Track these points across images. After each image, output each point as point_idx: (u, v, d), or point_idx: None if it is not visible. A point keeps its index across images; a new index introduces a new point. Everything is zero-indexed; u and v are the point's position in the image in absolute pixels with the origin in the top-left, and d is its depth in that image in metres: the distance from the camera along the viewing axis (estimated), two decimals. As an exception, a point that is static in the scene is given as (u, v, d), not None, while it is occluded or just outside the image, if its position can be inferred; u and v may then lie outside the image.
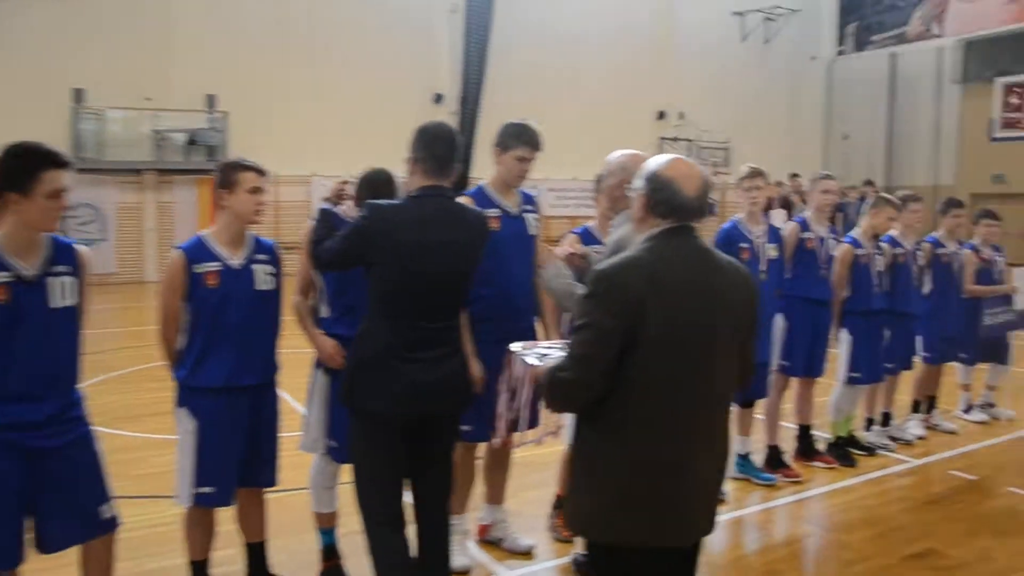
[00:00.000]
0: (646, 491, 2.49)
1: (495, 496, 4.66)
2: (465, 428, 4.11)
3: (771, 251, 5.52)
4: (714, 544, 4.90)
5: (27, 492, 3.00)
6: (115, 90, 17.06)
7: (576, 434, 2.67)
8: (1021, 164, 23.32)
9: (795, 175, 18.66)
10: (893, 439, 6.68)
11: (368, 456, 3.44)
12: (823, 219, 6.02)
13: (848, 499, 5.53)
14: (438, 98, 21.05)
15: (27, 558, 3.09)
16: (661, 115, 24.46)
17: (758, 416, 5.88)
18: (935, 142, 25.71)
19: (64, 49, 16.74)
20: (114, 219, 17.71)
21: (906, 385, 6.95)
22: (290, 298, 4.01)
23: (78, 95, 17.12)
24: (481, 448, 4.48)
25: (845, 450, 6.25)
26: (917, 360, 6.96)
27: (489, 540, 4.66)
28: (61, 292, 3.07)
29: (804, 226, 5.93)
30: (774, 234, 5.61)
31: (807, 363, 5.95)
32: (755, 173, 5.47)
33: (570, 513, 2.67)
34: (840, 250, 6.09)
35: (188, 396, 3.60)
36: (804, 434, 6.21)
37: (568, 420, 3.62)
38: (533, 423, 3.77)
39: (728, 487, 5.56)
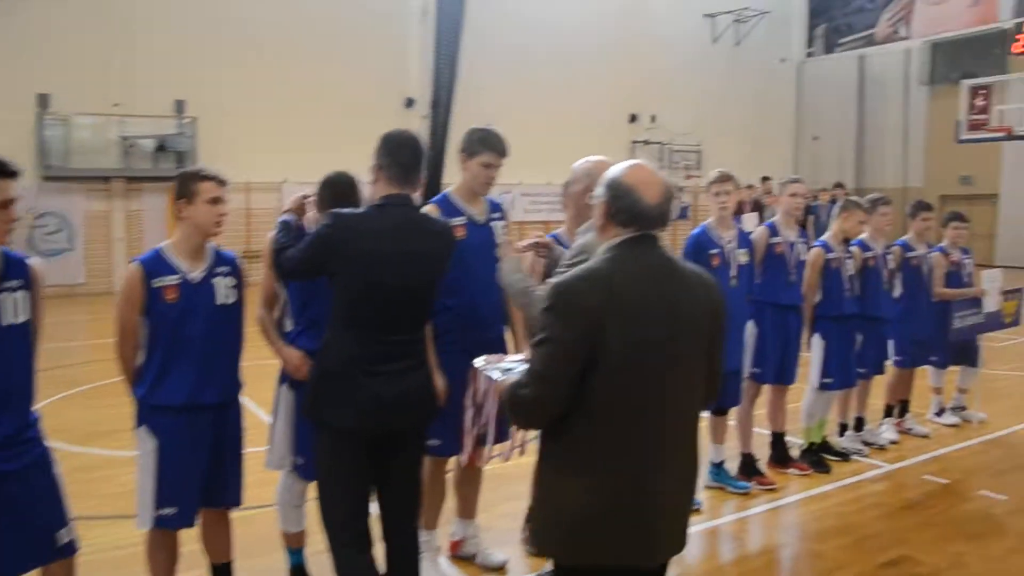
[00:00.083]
0: (610, 511, 2.42)
1: (466, 511, 4.60)
2: (434, 442, 4.05)
3: (741, 257, 5.47)
4: (690, 555, 4.86)
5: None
6: (81, 96, 16.81)
7: (540, 451, 2.60)
8: (987, 166, 23.63)
9: (766, 178, 18.73)
10: (867, 444, 6.67)
11: (332, 472, 3.36)
12: (792, 223, 5.99)
13: (823, 506, 5.51)
14: (409, 103, 20.94)
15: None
16: (633, 118, 24.52)
17: (731, 423, 5.85)
18: (904, 144, 25.99)
19: (28, 54, 16.46)
20: (81, 228, 17.42)
21: (879, 389, 6.95)
22: (254, 311, 3.93)
23: (43, 101, 16.82)
24: (451, 462, 4.41)
25: (819, 456, 6.23)
26: (889, 364, 6.95)
27: (461, 556, 4.59)
28: (13, 308, 2.97)
29: (773, 231, 5.89)
30: (744, 239, 5.57)
31: (778, 370, 5.93)
32: (724, 178, 5.42)
33: (534, 532, 2.60)
34: (811, 255, 6.07)
35: (148, 414, 3.49)
36: (778, 441, 6.18)
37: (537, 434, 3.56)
38: (501, 438, 3.70)
39: (702, 496, 5.53)
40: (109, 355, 3.69)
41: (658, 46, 24.42)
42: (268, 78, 18.58)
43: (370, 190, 3.49)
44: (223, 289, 3.60)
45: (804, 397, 6.29)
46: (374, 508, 3.52)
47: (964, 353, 7.36)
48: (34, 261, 3.10)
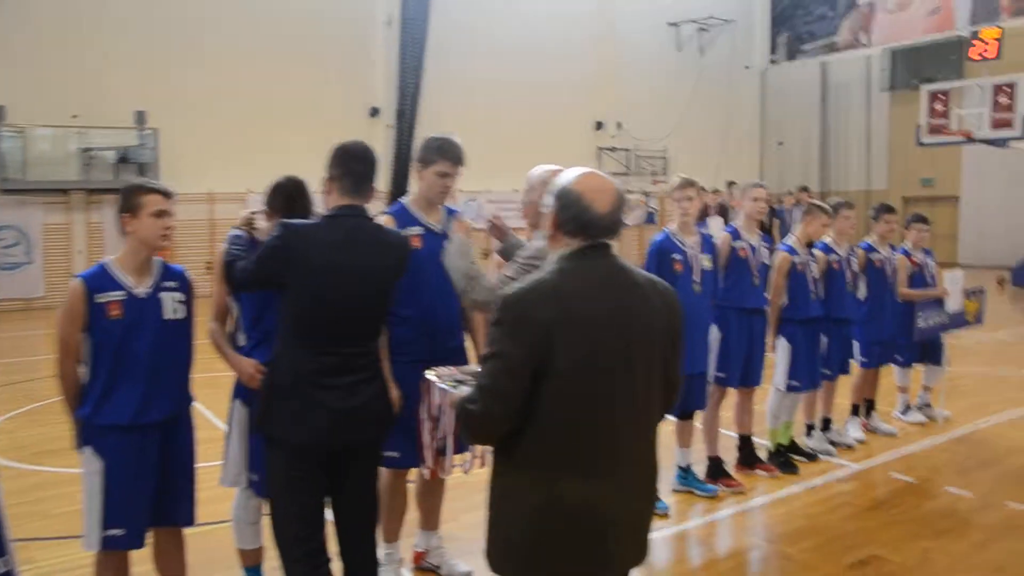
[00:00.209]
0: (564, 528, 2.35)
1: (429, 522, 4.52)
2: (392, 454, 3.98)
3: (705, 262, 5.43)
4: (658, 560, 4.82)
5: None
6: (39, 107, 16.48)
7: (493, 467, 2.53)
8: (947, 168, 23.99)
9: (732, 183, 18.83)
10: (834, 444, 6.66)
11: (285, 487, 3.27)
12: (754, 227, 5.98)
13: (791, 508, 5.49)
14: (374, 112, 20.85)
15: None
16: (599, 125, 24.60)
17: (698, 426, 5.81)
18: (867, 148, 26.32)
19: (-17, 65, 16.17)
20: (40, 241, 17.08)
21: (844, 389, 6.96)
22: (205, 325, 3.84)
23: (-1, 113, 16.53)
24: (412, 473, 4.33)
25: (786, 457, 6.22)
26: (854, 364, 6.97)
27: (425, 567, 4.51)
28: None
29: (735, 235, 5.88)
30: (708, 244, 5.54)
31: (743, 373, 5.90)
32: (687, 183, 5.39)
33: (487, 551, 2.52)
34: (777, 258, 6.07)
35: (92, 434, 3.38)
36: (745, 443, 6.16)
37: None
38: (461, 449, 3.64)
39: (670, 501, 5.49)
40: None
41: (623, 54, 24.53)
42: (231, 88, 18.39)
43: (323, 201, 3.42)
44: (171, 304, 3.50)
45: (769, 399, 6.27)
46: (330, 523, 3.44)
47: (929, 352, 7.41)
48: None
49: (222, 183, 17.57)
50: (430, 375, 3.07)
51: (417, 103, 21.11)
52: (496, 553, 2.48)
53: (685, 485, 5.69)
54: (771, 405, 6.26)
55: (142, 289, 3.44)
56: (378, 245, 3.33)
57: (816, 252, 6.36)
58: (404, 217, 4.08)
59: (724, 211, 15.14)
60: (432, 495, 4.48)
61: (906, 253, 7.19)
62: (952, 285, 7.23)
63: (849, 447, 6.70)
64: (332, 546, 3.45)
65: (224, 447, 3.95)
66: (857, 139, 26.58)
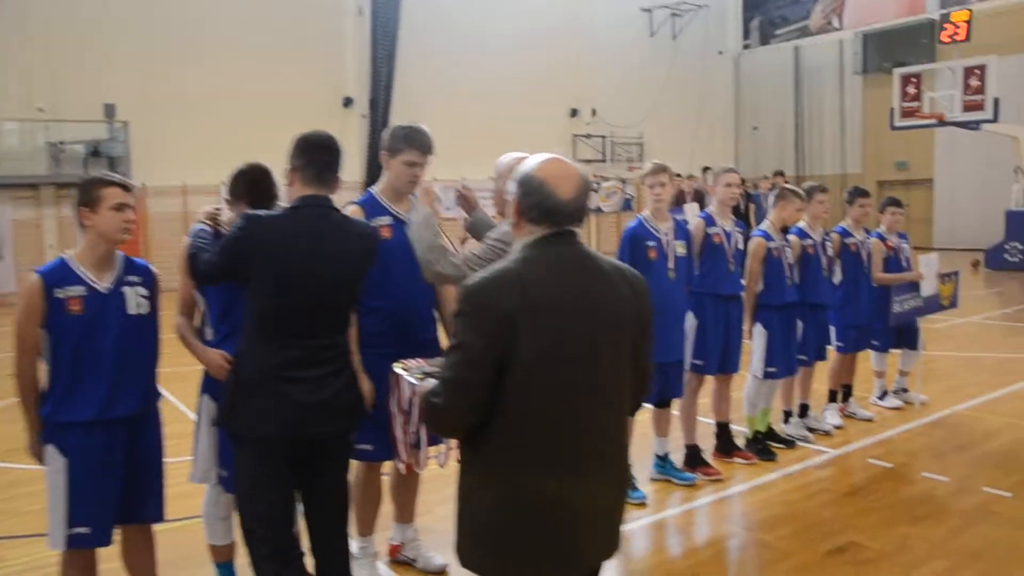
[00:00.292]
0: (532, 522, 2.30)
1: (404, 515, 4.47)
2: (365, 447, 3.94)
3: (679, 248, 5.37)
4: (636, 549, 4.80)
5: None
6: (4, 100, 16.24)
7: (460, 460, 2.47)
8: (921, 151, 24.15)
9: (707, 168, 18.83)
10: (811, 430, 6.65)
11: (252, 483, 3.20)
12: (727, 213, 5.92)
13: (769, 495, 5.47)
14: (348, 102, 20.69)
15: None
16: (574, 112, 24.54)
17: (675, 413, 5.78)
18: (841, 132, 26.45)
19: (-53, 58, 15.88)
20: (10, 236, 16.81)
21: (821, 375, 6.95)
22: (172, 319, 3.76)
23: (-37, 107, 16.25)
24: (387, 466, 4.27)
25: (764, 444, 6.20)
26: (831, 350, 6.96)
27: (401, 560, 4.46)
28: None
29: (709, 221, 5.82)
30: (681, 230, 5.48)
31: (721, 360, 5.86)
32: (659, 169, 5.33)
33: (457, 544, 2.47)
34: (752, 244, 6.04)
35: (54, 432, 3.30)
36: (723, 431, 6.13)
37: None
38: (435, 442, 3.58)
39: (648, 490, 5.46)
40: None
41: (597, 40, 24.47)
42: (201, 79, 18.16)
43: (287, 194, 3.34)
44: (134, 299, 3.42)
45: (746, 386, 6.25)
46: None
47: (905, 336, 7.41)
48: None
49: (195, 176, 17.35)
50: (397, 368, 3.00)
51: (391, 92, 20.97)
52: (465, 547, 2.43)
53: (663, 474, 5.66)
54: (748, 392, 6.24)
55: (104, 284, 3.36)
56: (344, 236, 3.26)
57: (791, 237, 6.33)
58: (373, 207, 4.00)
59: (700, 197, 15.12)
60: (407, 488, 4.42)
61: (880, 237, 7.18)
62: (927, 268, 7.23)
63: (826, 433, 6.69)
64: (306, 541, 3.40)
65: (193, 443, 3.89)
66: (831, 123, 26.69)
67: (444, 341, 4.19)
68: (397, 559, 4.47)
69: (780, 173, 18.78)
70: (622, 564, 4.59)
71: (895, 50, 24.52)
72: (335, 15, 20.51)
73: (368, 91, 20.85)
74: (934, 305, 7.37)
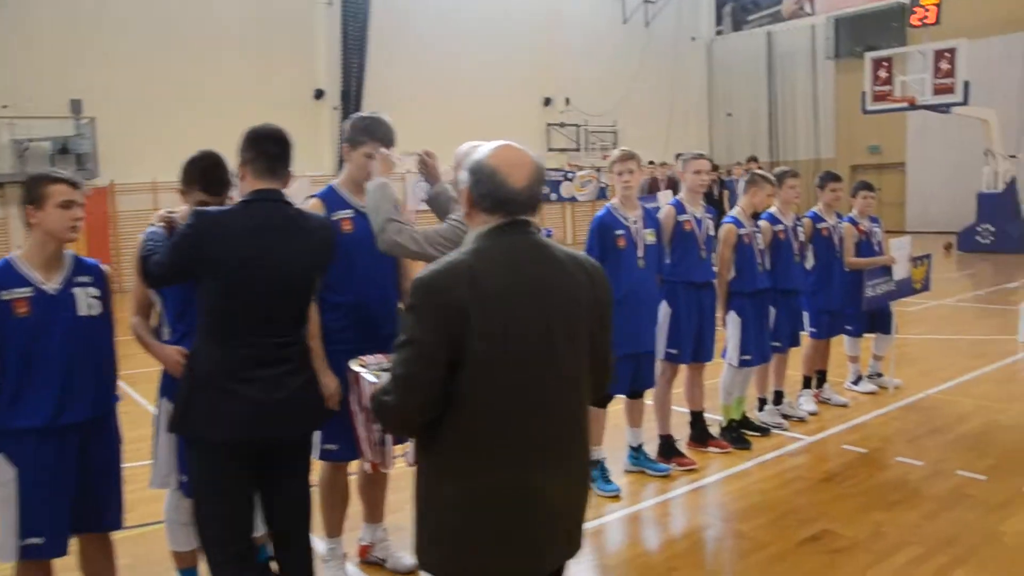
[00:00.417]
0: (490, 521, 2.23)
1: (373, 515, 4.38)
2: (331, 447, 3.87)
3: (648, 236, 5.29)
4: (611, 542, 4.76)
5: None
6: (-35, 98, 15.94)
7: (416, 459, 2.39)
8: (893, 135, 24.26)
9: (681, 155, 18.81)
10: (786, 417, 6.62)
11: (208, 489, 3.10)
12: (698, 200, 5.84)
13: (744, 484, 5.43)
14: (319, 94, 20.50)
15: None
16: (547, 101, 24.43)
17: (648, 403, 5.72)
18: (814, 117, 26.50)
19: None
20: (-25, 237, 16.57)
21: (795, 361, 6.92)
22: (128, 319, 3.65)
23: (-77, 104, 15.91)
24: (354, 465, 4.18)
25: (739, 432, 6.16)
26: (804, 336, 6.93)
27: (371, 561, 4.38)
28: None
29: (680, 209, 5.73)
30: (651, 218, 5.41)
31: (695, 349, 5.80)
32: (627, 156, 5.25)
33: (416, 549, 2.39)
34: (723, 231, 5.98)
35: (3, 440, 3.18)
36: (697, 420, 6.08)
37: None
38: (401, 440, 3.50)
39: (622, 482, 5.41)
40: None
41: (569, 28, 24.38)
42: (169, 73, 17.91)
43: (239, 190, 3.24)
44: (85, 299, 3.30)
45: (722, 375, 6.20)
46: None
47: (878, 320, 7.39)
48: None
49: (165, 172, 16.91)
50: (355, 365, 2.91)
51: (362, 84, 20.79)
52: (423, 549, 2.35)
53: (637, 465, 5.61)
54: (724, 381, 6.19)
55: (52, 285, 3.24)
56: (298, 231, 3.16)
57: (761, 223, 6.28)
58: (333, 200, 3.91)
59: (674, 185, 15.09)
60: (375, 487, 4.34)
61: (852, 221, 7.15)
62: (898, 252, 7.22)
63: (801, 420, 6.67)
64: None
65: (152, 447, 3.78)
66: (804, 108, 26.74)
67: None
68: (367, 560, 4.39)
69: (753, 159, 18.83)
70: (596, 558, 4.53)
71: (867, 34, 24.59)
72: (304, 5, 20.28)
73: (339, 83, 20.65)
74: (906, 289, 7.36)
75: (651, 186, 17.29)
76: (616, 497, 5.21)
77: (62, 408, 3.20)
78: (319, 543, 4.32)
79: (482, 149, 2.35)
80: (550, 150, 24.27)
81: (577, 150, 24.69)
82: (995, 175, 19.09)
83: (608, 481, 5.28)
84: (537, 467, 2.25)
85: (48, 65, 16.65)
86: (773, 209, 6.42)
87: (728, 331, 6.08)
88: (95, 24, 17.29)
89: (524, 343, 2.20)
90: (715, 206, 15.65)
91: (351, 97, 20.59)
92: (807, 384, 7.07)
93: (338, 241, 3.80)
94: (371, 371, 2.85)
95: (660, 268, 5.49)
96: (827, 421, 6.66)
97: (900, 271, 7.19)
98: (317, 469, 4.12)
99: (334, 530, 4.18)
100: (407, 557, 4.31)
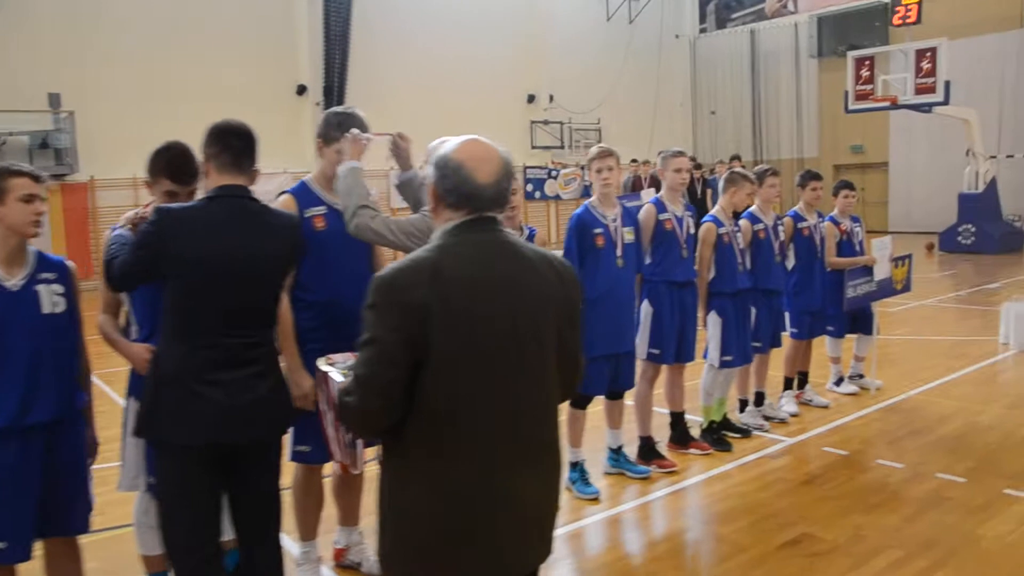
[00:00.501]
0: (455, 525, 2.16)
1: (348, 517, 4.32)
2: (303, 448, 3.82)
3: (627, 235, 5.24)
4: (590, 546, 4.71)
5: None
6: (-61, 92, 15.70)
7: (380, 462, 2.32)
8: (876, 135, 24.34)
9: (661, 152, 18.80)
10: (767, 418, 6.59)
11: (173, 493, 3.01)
12: (677, 198, 5.78)
13: (724, 486, 5.39)
14: (301, 90, 20.35)
15: None
16: (531, 99, 24.35)
17: (628, 403, 5.66)
18: (797, 116, 26.52)
19: None
20: (-49, 232, 16.30)
21: (777, 362, 6.89)
22: (95, 317, 3.59)
23: None
24: (329, 467, 4.11)
25: (720, 434, 6.12)
26: (786, 336, 6.90)
27: (346, 565, 4.32)
28: None
29: (660, 207, 5.67)
30: (629, 216, 5.34)
31: (678, 348, 5.74)
32: (605, 152, 5.18)
33: (379, 552, 2.32)
34: (702, 230, 5.93)
35: None
36: (677, 421, 6.04)
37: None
38: (372, 441, 3.43)
39: (601, 484, 5.36)
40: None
41: (553, 25, 24.31)
42: (150, 67, 17.71)
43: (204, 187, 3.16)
44: (49, 297, 3.22)
45: (703, 376, 6.16)
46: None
47: (859, 321, 7.37)
48: None
49: (145, 167, 16.91)
50: (323, 363, 2.82)
51: (345, 79, 20.63)
52: (387, 555, 2.28)
53: (616, 467, 5.55)
54: (704, 382, 6.14)
55: (14, 281, 3.16)
56: (264, 228, 3.07)
57: (742, 222, 6.23)
58: (306, 196, 3.85)
59: (658, 183, 15.05)
60: (350, 489, 4.28)
61: (834, 221, 7.12)
62: (879, 252, 7.20)
63: (783, 421, 6.63)
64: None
65: (120, 449, 3.71)
66: (788, 107, 26.78)
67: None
68: (342, 564, 4.32)
69: (737, 157, 18.83)
70: (575, 562, 4.49)
71: (849, 33, 24.66)
72: (286, 1, 20.12)
73: (322, 79, 20.51)
74: (887, 289, 7.34)
75: (634, 184, 17.27)
76: (595, 500, 5.16)
77: (27, 408, 3.11)
78: (293, 546, 4.26)
79: (448, 143, 2.29)
80: (534, 147, 24.22)
81: (561, 147, 24.64)
82: (976, 175, 19.16)
83: (587, 483, 5.22)
84: (504, 468, 2.19)
85: (26, 58, 16.43)
86: (753, 208, 6.38)
87: (709, 332, 6.03)
88: (75, 16, 17.07)
89: (490, 342, 2.14)
90: (699, 205, 15.67)
91: (333, 93, 20.43)
92: (788, 385, 7.04)
93: (311, 238, 3.74)
94: (339, 370, 2.76)
95: (639, 267, 5.43)
96: (808, 423, 6.63)
97: (881, 271, 7.17)
98: (291, 471, 4.06)
99: (308, 533, 4.12)
100: (382, 561, 4.25)
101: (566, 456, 5.22)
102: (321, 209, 3.80)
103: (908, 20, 19.36)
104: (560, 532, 4.74)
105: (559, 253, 5.12)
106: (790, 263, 6.84)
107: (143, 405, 3.05)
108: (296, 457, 3.90)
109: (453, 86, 21.66)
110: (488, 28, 22.80)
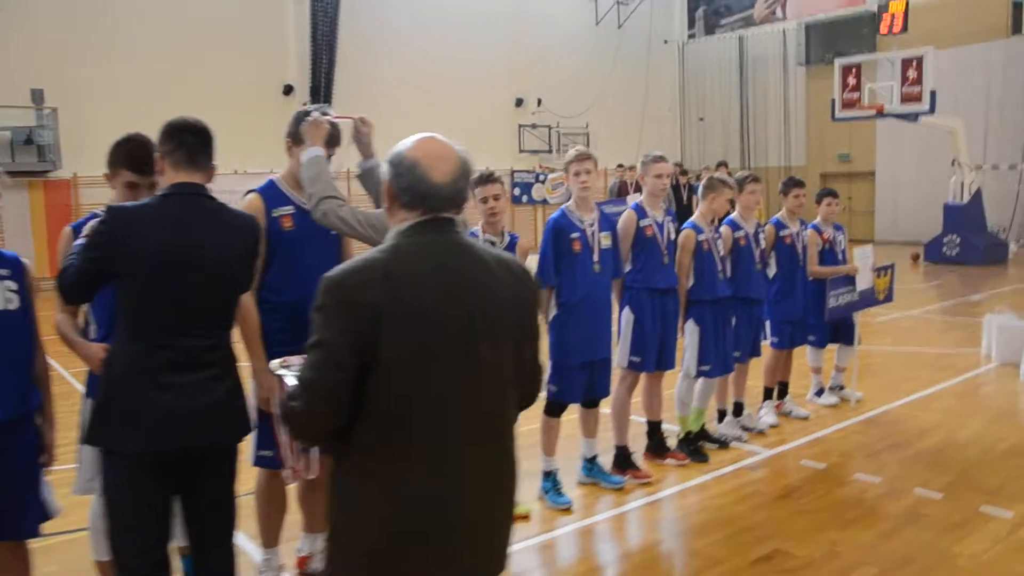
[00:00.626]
0: (405, 529, 2.08)
1: (313, 524, 4.23)
2: (265, 453, 3.74)
3: (604, 240, 5.15)
4: (561, 558, 4.63)
5: None
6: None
7: (330, 469, 2.23)
8: (863, 144, 24.38)
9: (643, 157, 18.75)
10: (746, 429, 6.50)
11: (120, 500, 2.89)
12: (658, 204, 5.70)
13: (700, 498, 5.31)
14: (288, 90, 20.25)
15: None
16: (519, 102, 24.30)
17: (604, 412, 5.57)
18: (785, 123, 26.54)
19: None
20: (-68, 227, 16.15)
21: (757, 372, 6.82)
22: (52, 316, 3.47)
23: None
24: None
25: (697, 445, 6.04)
26: (766, 346, 6.83)
27: (309, 573, 4.22)
28: None
29: (641, 213, 5.59)
30: (607, 221, 5.25)
31: (659, 356, 5.64)
32: (583, 156, 5.09)
33: (328, 563, 2.22)
34: (682, 237, 5.85)
35: None
36: (654, 431, 5.95)
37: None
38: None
39: (574, 495, 5.27)
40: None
41: (542, 29, 24.26)
42: (134, 64, 17.58)
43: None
44: (2, 294, 3.12)
45: (677, 385, 6.07)
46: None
47: (841, 331, 7.29)
48: None
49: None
50: (278, 367, 2.71)
51: (332, 81, 20.53)
52: (333, 557, 2.19)
53: (591, 477, 5.46)
54: (680, 391, 6.05)
55: None
56: (220, 226, 2.97)
57: (722, 229, 6.15)
58: (273, 195, 3.76)
59: (641, 189, 15.01)
60: (314, 495, 4.16)
61: (816, 228, 7.05)
62: (862, 261, 7.12)
63: (761, 432, 6.54)
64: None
65: (76, 451, 3.61)
66: (776, 115, 26.80)
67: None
68: (306, 572, 4.22)
69: (723, 164, 18.75)
70: (546, 574, 4.40)
71: (837, 41, 24.70)
72: (274, 1, 20.01)
73: (309, 79, 20.39)
74: (870, 299, 7.27)
75: (620, 189, 17.20)
76: (568, 510, 5.07)
77: None
78: (255, 553, 4.16)
79: (405, 141, 2.21)
80: (521, 151, 24.16)
81: (549, 152, 24.58)
82: (962, 186, 19.16)
83: (560, 493, 5.14)
84: (455, 471, 2.11)
85: (8, 53, 16.26)
86: (734, 215, 6.30)
87: (686, 340, 5.94)
88: (58, 11, 16.92)
89: (443, 344, 2.07)
90: (685, 211, 15.58)
91: (320, 93, 20.33)
92: (768, 395, 6.96)
93: (278, 238, 3.66)
94: (294, 373, 2.66)
95: (616, 272, 5.33)
96: (787, 434, 6.55)
97: (863, 281, 7.10)
98: (254, 476, 3.97)
99: (271, 540, 4.05)
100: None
101: (538, 465, 5.18)
102: (289, 209, 3.72)
103: (895, 29, 19.37)
104: (531, 543, 4.67)
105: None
106: (771, 271, 6.76)
107: (93, 409, 2.94)
108: (259, 462, 3.82)
109: (440, 88, 21.58)
110: (476, 31, 22.74)
